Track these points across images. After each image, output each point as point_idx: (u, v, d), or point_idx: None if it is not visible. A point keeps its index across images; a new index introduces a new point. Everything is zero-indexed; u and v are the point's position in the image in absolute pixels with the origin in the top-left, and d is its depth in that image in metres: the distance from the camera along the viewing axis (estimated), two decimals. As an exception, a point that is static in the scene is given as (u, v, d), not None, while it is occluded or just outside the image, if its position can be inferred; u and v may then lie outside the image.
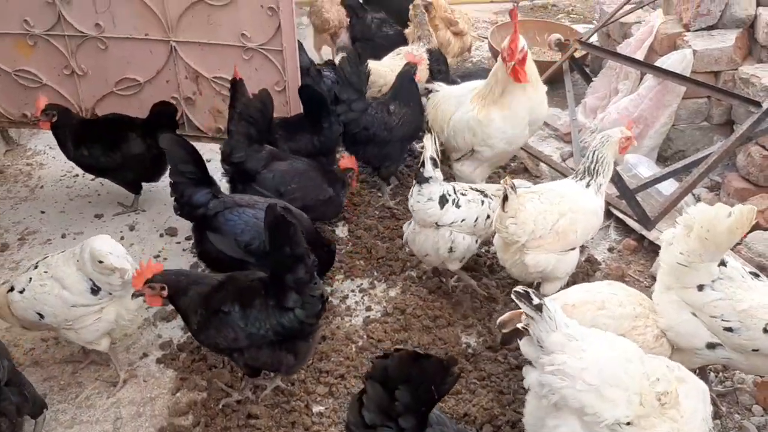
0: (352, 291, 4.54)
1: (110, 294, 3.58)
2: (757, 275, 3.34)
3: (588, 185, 3.96)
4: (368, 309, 4.39)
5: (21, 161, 5.87)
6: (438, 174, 4.08)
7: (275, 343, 3.38)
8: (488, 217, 4.16)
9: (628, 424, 2.74)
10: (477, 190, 4.29)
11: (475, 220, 4.15)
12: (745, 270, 3.31)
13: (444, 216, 4.09)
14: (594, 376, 2.74)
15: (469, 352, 4.03)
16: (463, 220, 4.11)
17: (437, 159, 4.06)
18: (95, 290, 3.53)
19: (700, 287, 3.23)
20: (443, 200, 4.07)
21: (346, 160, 4.89)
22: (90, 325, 3.59)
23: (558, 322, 2.83)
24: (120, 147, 4.95)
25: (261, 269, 3.69)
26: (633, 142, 4.03)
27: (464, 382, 3.79)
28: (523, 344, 2.96)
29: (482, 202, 4.20)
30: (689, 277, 3.25)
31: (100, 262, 3.45)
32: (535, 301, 2.77)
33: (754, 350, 3.21)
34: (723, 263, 3.26)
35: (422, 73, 5.56)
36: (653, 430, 2.77)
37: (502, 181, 3.77)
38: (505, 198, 3.70)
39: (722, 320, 3.20)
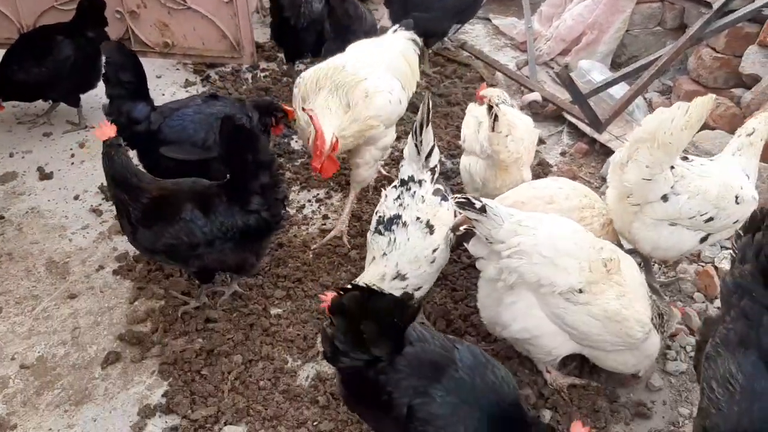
0: (309, 201, 4.56)
1: None
2: (686, 158, 3.42)
3: None
4: (324, 218, 4.43)
5: (-37, 82, 5.66)
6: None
7: (239, 244, 3.43)
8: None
9: (580, 291, 2.91)
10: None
11: None
12: (681, 161, 3.38)
13: None
14: (547, 248, 2.89)
15: (425, 255, 4.11)
16: None
17: None
18: None
19: (665, 197, 3.27)
20: None
21: None
22: None
23: (503, 216, 2.93)
24: (51, 53, 4.80)
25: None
26: None
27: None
28: (472, 245, 3.07)
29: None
30: (652, 192, 3.27)
31: None
32: (478, 204, 2.89)
33: (735, 222, 3.33)
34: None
35: None
36: (602, 295, 2.94)
37: (486, 102, 3.72)
38: (495, 118, 3.65)
39: (700, 215, 3.28)
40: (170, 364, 3.41)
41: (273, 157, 3.40)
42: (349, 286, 2.46)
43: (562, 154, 4.97)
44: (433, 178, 3.44)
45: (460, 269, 4.00)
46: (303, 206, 4.52)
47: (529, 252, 2.87)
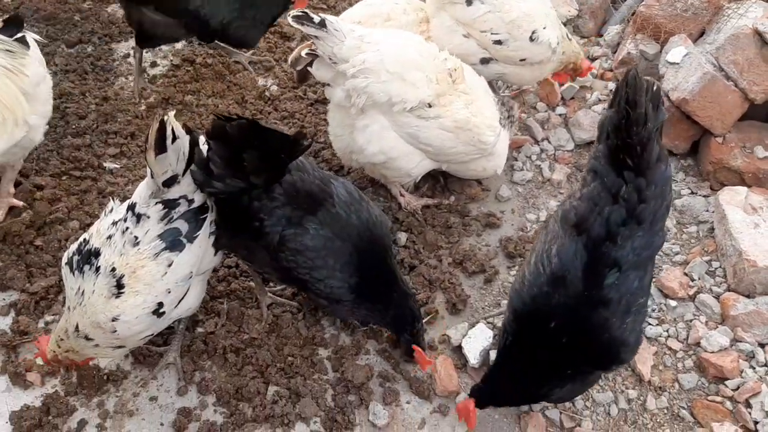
0: (134, 49, 4.12)
1: None
2: None
3: None
4: (153, 65, 4.06)
5: None
6: None
7: None
8: None
9: (430, 105, 2.90)
10: None
11: None
12: None
13: None
14: (394, 63, 2.81)
15: (267, 95, 3.90)
16: None
17: None
18: None
19: (469, 2, 3.19)
20: None
21: None
22: None
23: (344, 30, 2.79)
24: None
25: None
26: None
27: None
28: (316, 68, 2.91)
29: None
30: None
31: None
32: (316, 18, 2.69)
33: (521, 60, 3.33)
34: None
35: None
36: (451, 106, 2.94)
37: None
38: None
39: (492, 34, 3.23)
40: (-2, 240, 3.12)
41: None
42: (234, 116, 2.30)
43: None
44: (167, 217, 2.39)
45: (306, 105, 3.85)
46: (127, 55, 4.10)
47: (375, 69, 2.78)
